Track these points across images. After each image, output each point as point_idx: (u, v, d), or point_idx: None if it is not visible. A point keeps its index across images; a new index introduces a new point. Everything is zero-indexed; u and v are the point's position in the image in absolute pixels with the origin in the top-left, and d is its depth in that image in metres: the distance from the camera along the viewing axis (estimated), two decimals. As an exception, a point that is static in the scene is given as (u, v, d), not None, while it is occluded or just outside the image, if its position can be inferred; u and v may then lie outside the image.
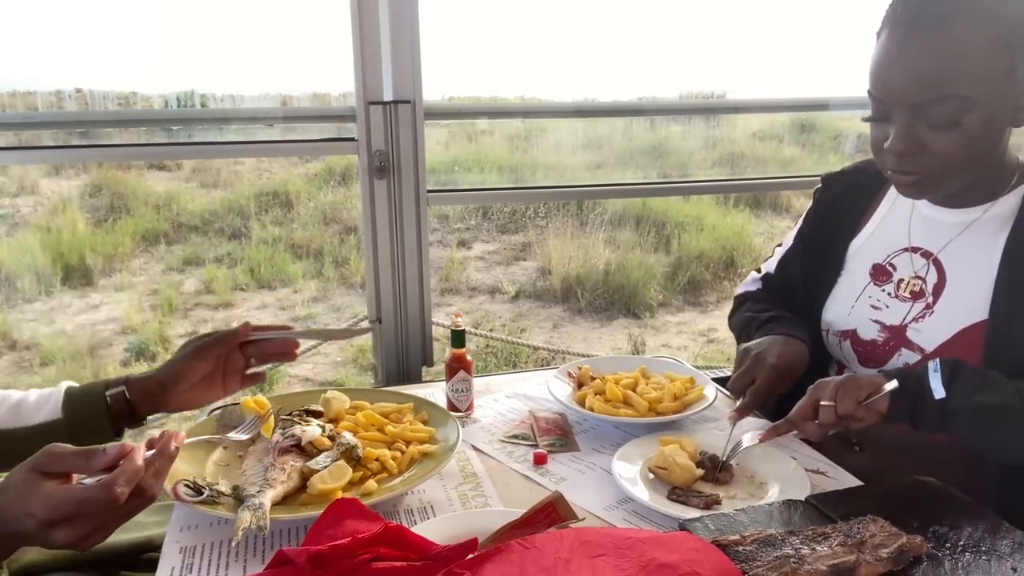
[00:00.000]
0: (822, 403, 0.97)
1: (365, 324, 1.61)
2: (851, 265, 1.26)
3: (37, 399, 1.09)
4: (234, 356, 1.16)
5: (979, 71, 0.96)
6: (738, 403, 1.15)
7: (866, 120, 1.09)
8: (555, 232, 6.08)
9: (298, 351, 1.20)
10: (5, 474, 0.80)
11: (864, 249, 1.26)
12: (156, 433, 0.86)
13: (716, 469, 1.07)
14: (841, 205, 1.31)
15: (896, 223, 1.22)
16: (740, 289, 1.46)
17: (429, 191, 1.63)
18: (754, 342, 1.21)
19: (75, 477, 0.79)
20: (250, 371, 1.18)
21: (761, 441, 1.06)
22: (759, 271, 1.44)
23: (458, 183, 6.85)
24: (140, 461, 0.79)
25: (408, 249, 1.64)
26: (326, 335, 1.33)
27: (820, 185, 1.38)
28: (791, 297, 1.35)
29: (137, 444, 0.81)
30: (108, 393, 1.08)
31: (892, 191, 1.26)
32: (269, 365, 1.22)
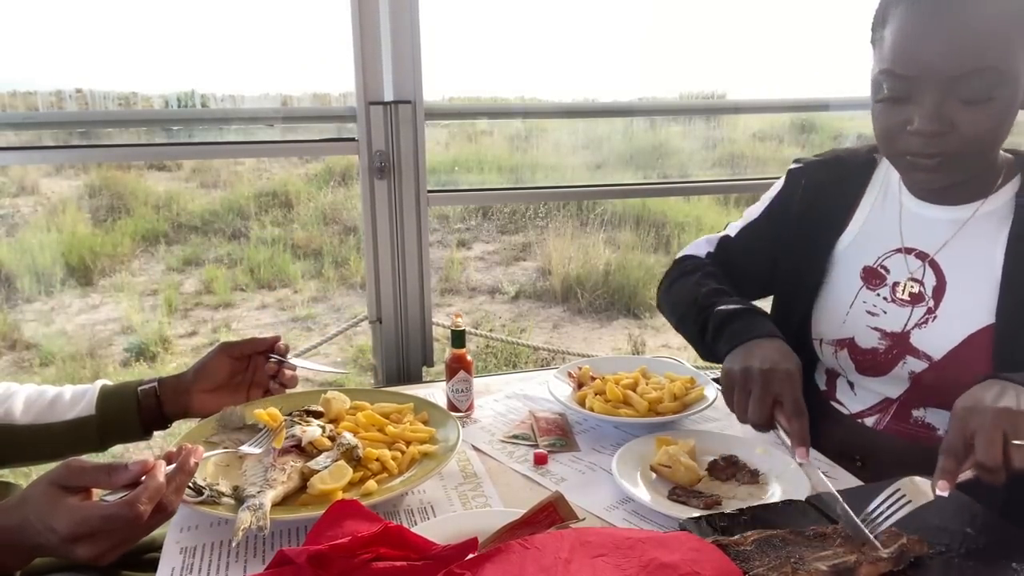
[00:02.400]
0: (1015, 443, 0.79)
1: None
2: (838, 268, 1.19)
3: (73, 395, 1.12)
4: (260, 368, 1.22)
5: (1009, 41, 0.94)
6: (784, 438, 0.94)
7: (881, 101, 1.02)
8: (555, 232, 6.08)
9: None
10: (37, 467, 0.81)
11: (852, 250, 1.19)
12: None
13: (732, 469, 1.06)
14: (826, 197, 1.22)
15: (885, 222, 1.17)
16: (684, 252, 1.35)
17: (429, 191, 1.63)
18: (740, 355, 1.03)
19: (95, 491, 0.79)
20: (273, 386, 1.23)
21: (949, 492, 0.82)
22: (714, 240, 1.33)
23: (458, 183, 6.86)
24: (162, 478, 0.80)
25: (408, 249, 1.64)
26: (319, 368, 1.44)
27: (798, 168, 1.27)
28: (745, 269, 1.28)
29: (158, 460, 0.82)
30: (140, 388, 1.12)
31: (876, 187, 1.19)
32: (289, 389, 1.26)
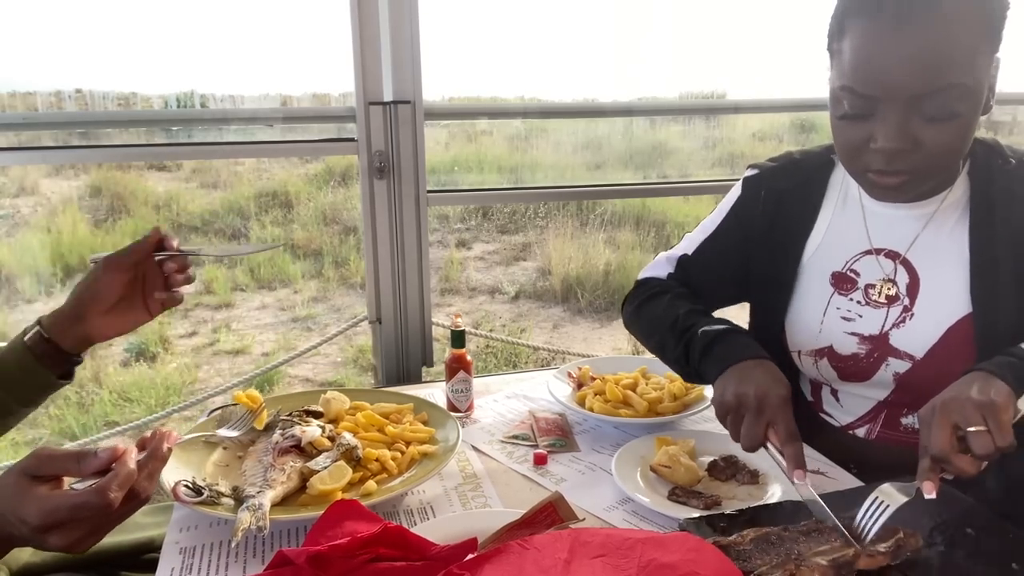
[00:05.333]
0: (971, 430, 0.79)
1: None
2: (807, 277, 1.16)
3: None
4: (151, 272, 1.08)
5: (971, 55, 0.91)
6: (778, 457, 0.93)
7: (843, 118, 0.99)
8: (555, 232, 6.08)
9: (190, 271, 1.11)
10: None
11: (818, 257, 1.15)
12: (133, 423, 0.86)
13: (732, 470, 1.07)
14: (786, 205, 1.18)
15: (849, 225, 1.14)
16: (646, 273, 1.31)
17: (429, 191, 1.63)
18: (733, 380, 1.00)
19: (65, 480, 0.78)
20: (167, 294, 1.09)
21: (937, 495, 0.81)
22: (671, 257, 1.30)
23: (458, 183, 6.86)
24: (133, 465, 0.78)
25: (408, 249, 1.64)
26: (232, 251, 1.22)
27: (754, 175, 1.23)
28: (707, 283, 1.25)
29: (128, 447, 0.81)
30: (25, 340, 1.03)
31: (835, 189, 1.16)
32: (186, 288, 1.13)
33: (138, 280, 1.08)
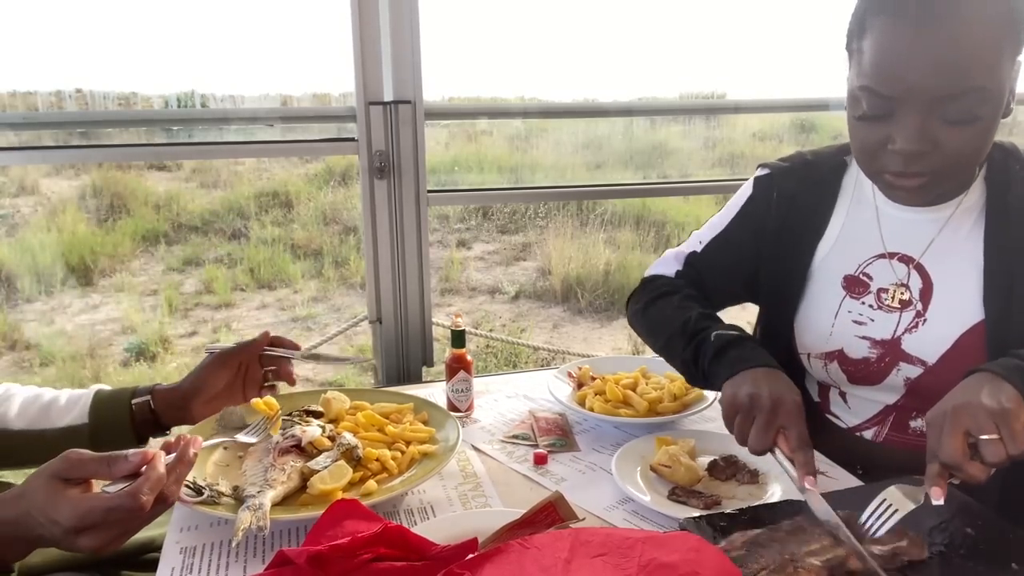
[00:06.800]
0: (983, 438, 0.79)
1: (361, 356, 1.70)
2: (819, 279, 1.14)
3: (68, 400, 1.12)
4: (254, 366, 1.21)
5: (994, 59, 0.90)
6: (786, 465, 0.91)
7: (861, 119, 0.98)
8: (555, 232, 6.08)
9: (295, 376, 1.25)
10: (28, 472, 0.81)
11: (831, 260, 1.14)
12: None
13: (732, 470, 1.06)
14: (799, 206, 1.17)
15: (863, 228, 1.12)
16: (653, 271, 1.31)
17: (429, 191, 1.63)
18: (747, 381, 0.98)
19: (94, 482, 0.80)
20: (268, 383, 1.23)
21: (944, 499, 0.81)
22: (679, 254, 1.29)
23: (458, 183, 6.85)
24: (163, 468, 0.80)
25: (408, 249, 1.64)
26: (329, 360, 1.42)
27: (766, 176, 1.22)
28: (716, 282, 1.24)
29: (157, 451, 0.83)
30: (134, 402, 1.11)
31: (848, 191, 1.15)
32: (281, 381, 1.26)
33: (241, 372, 1.20)
